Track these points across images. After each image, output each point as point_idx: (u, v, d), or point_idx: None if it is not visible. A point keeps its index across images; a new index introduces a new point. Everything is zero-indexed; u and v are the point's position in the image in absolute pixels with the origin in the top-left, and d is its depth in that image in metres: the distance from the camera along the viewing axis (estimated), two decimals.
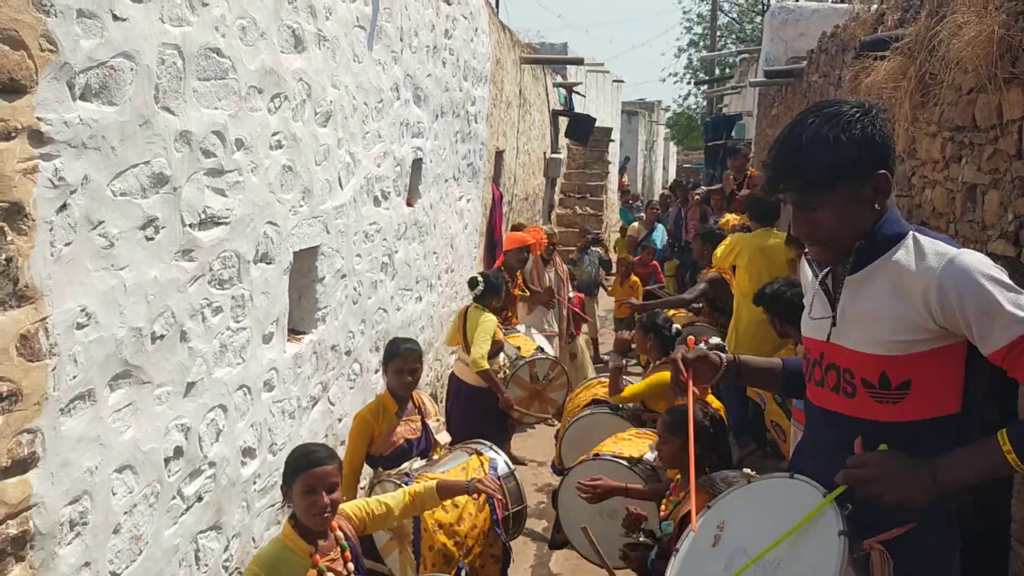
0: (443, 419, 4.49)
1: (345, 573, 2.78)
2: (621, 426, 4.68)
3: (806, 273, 2.13)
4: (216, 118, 3.24)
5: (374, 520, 3.08)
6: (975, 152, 3.83)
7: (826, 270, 2.00)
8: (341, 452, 4.85)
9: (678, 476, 3.31)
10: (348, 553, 2.81)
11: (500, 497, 3.32)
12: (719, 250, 6.12)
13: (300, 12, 3.96)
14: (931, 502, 1.79)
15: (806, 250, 2.07)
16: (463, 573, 3.66)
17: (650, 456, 3.93)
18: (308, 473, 2.69)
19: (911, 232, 1.84)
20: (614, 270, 10.16)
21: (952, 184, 4.11)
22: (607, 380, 5.03)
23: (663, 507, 3.31)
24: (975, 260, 1.72)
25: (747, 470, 3.11)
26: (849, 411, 1.89)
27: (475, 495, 3.33)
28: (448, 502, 3.79)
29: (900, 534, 1.79)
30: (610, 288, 9.82)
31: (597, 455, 4.06)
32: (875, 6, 6.09)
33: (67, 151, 2.42)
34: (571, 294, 8.43)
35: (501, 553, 4.02)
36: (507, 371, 5.88)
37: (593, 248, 10.23)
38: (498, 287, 5.87)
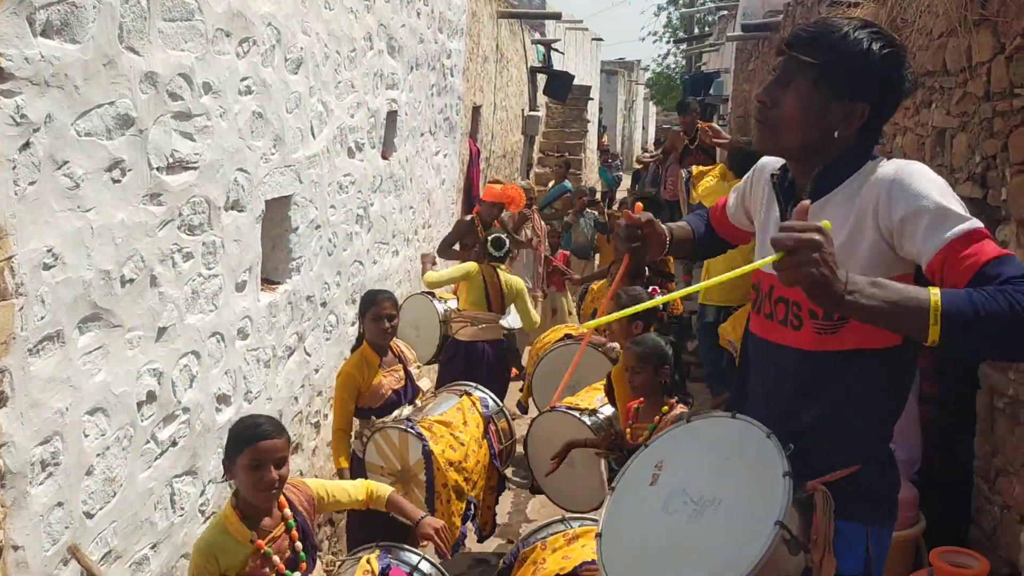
0: (419, 363, 4.52)
1: (289, 552, 2.69)
2: (593, 358, 4.77)
3: (766, 199, 2.05)
4: (182, 60, 3.20)
5: (332, 504, 3.00)
6: (945, 96, 3.86)
7: (788, 198, 1.93)
8: (318, 403, 4.92)
9: (637, 405, 3.42)
10: (295, 532, 2.71)
11: (444, 549, 3.08)
12: (702, 189, 6.11)
13: None
14: (870, 443, 1.82)
15: (772, 174, 2.00)
16: (472, 506, 3.83)
17: (606, 409, 4.04)
18: (255, 447, 2.56)
19: (869, 161, 1.81)
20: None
21: (922, 129, 4.14)
22: (572, 327, 5.21)
23: (630, 435, 3.43)
24: (923, 168, 1.71)
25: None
26: (794, 343, 1.85)
27: (420, 529, 3.08)
28: (454, 441, 3.92)
29: (842, 477, 1.78)
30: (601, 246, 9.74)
31: (554, 408, 4.17)
32: None
33: (29, 88, 2.38)
34: (547, 250, 8.47)
35: (497, 484, 4.34)
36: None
37: (589, 210, 10.14)
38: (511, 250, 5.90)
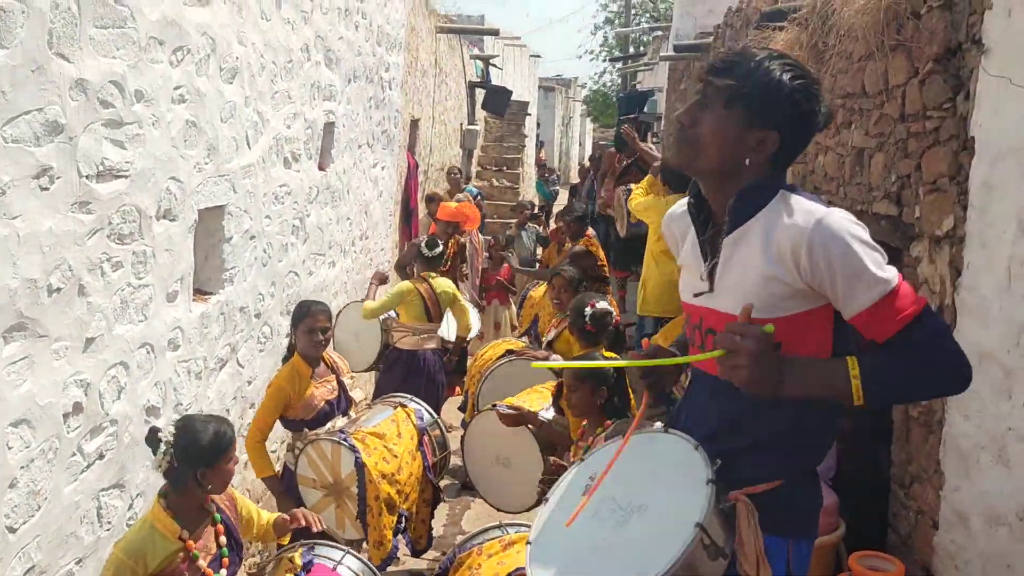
0: (352, 374, 4.49)
1: (215, 548, 2.74)
2: (539, 373, 4.80)
3: (682, 233, 2.09)
4: (114, 68, 3.16)
5: (245, 523, 3.02)
6: (863, 117, 4.02)
7: (705, 228, 1.97)
8: (250, 415, 4.86)
9: (585, 423, 3.43)
10: (220, 526, 2.77)
11: (316, 524, 3.14)
12: (637, 201, 6.19)
13: None
14: (796, 460, 1.88)
15: (688, 200, 2.03)
16: (403, 518, 3.81)
17: (547, 414, 4.07)
18: (228, 455, 2.73)
19: (781, 191, 1.85)
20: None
21: (842, 149, 4.30)
22: (512, 341, 5.22)
23: (573, 454, 3.43)
24: (842, 220, 1.74)
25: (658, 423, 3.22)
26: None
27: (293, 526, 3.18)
28: (387, 452, 3.90)
29: (766, 489, 1.83)
30: (543, 258, 9.80)
31: (495, 405, 4.19)
32: None
33: None
34: (485, 263, 8.53)
35: (431, 497, 4.31)
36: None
37: (531, 224, 10.20)
38: (443, 254, 5.90)
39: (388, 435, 4.11)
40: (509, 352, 5.22)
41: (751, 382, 1.68)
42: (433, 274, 5.64)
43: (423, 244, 5.67)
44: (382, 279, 5.96)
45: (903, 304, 1.69)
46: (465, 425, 5.52)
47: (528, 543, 1.99)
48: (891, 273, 1.71)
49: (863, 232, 1.74)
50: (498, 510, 4.39)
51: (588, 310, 4.17)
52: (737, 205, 1.86)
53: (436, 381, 5.57)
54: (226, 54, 4.21)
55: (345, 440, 3.90)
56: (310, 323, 4.03)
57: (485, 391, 5.04)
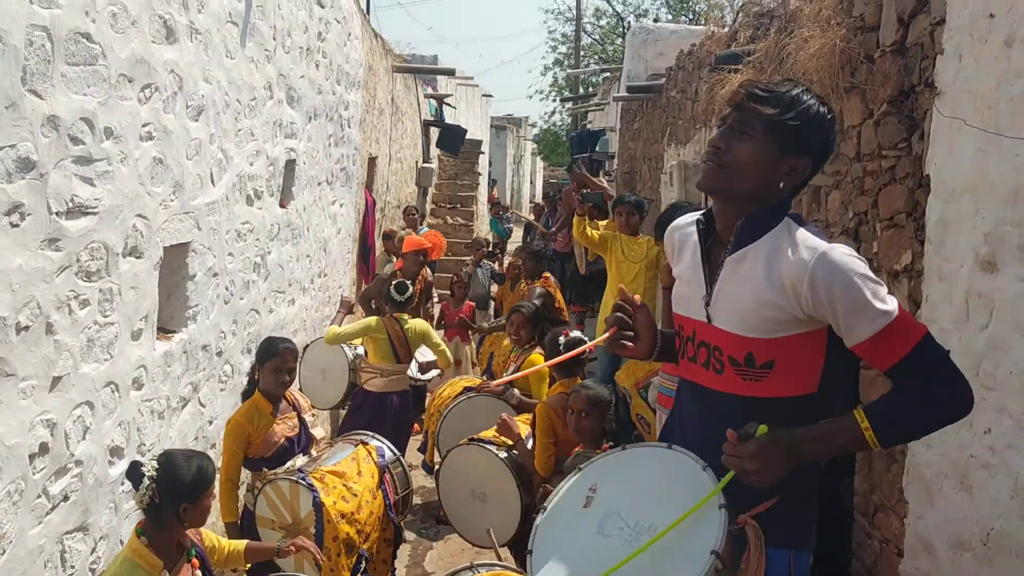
0: (313, 411, 4.44)
1: None
2: (496, 407, 4.82)
3: (682, 246, 2.15)
4: (85, 104, 3.15)
5: (212, 551, 3.05)
6: None
7: (706, 244, 2.04)
8: (212, 455, 4.77)
9: (579, 448, 3.48)
10: (195, 560, 2.78)
11: (318, 556, 3.36)
12: (589, 232, 6.29)
13: (172, 3, 3.89)
14: (798, 476, 1.91)
15: (697, 218, 2.10)
16: (363, 559, 3.75)
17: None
18: (210, 490, 2.74)
19: (786, 218, 1.93)
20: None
21: None
22: (471, 378, 5.26)
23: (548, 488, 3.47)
24: (844, 255, 1.82)
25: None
26: (716, 386, 1.97)
27: (292, 551, 3.35)
28: (346, 491, 3.85)
29: (769, 507, 1.89)
30: (498, 295, 9.82)
31: (472, 439, 4.18)
32: (728, 26, 6.48)
33: None
34: (435, 298, 8.56)
35: (393, 536, 4.23)
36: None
37: (486, 261, 10.24)
38: (414, 296, 5.86)
39: (348, 473, 4.05)
40: (467, 389, 5.22)
41: (771, 482, 1.80)
42: (405, 317, 5.62)
43: (393, 288, 5.63)
44: (349, 307, 5.92)
45: (903, 334, 1.78)
46: (426, 465, 5.50)
47: (528, 552, 1.98)
48: (892, 304, 1.79)
49: (863, 266, 1.82)
50: (475, 545, 4.37)
51: (562, 339, 4.24)
52: (744, 227, 1.93)
53: (402, 424, 5.53)
54: (192, 92, 4.21)
55: (303, 479, 3.83)
56: (278, 363, 3.99)
57: (445, 429, 5.02)
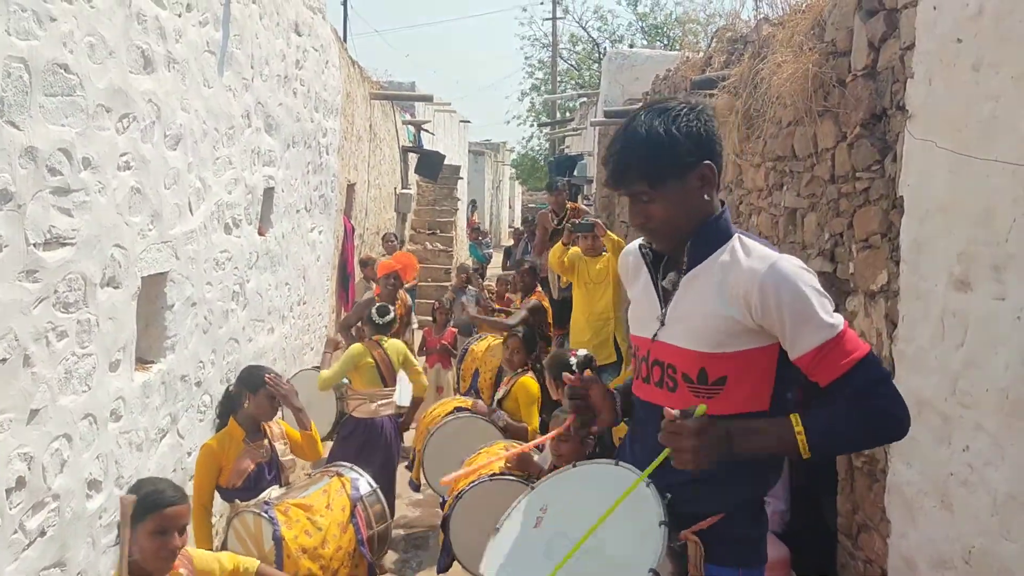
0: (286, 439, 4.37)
1: None
2: (485, 430, 4.78)
3: (635, 268, 2.17)
4: (63, 135, 3.14)
5: (202, 574, 2.94)
6: (795, 179, 4.21)
7: (658, 266, 2.06)
8: (191, 487, 4.71)
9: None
10: None
11: None
12: (556, 259, 6.39)
13: (149, 33, 3.90)
14: (743, 492, 1.96)
15: (644, 242, 2.13)
16: None
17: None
18: (161, 514, 2.55)
19: (737, 234, 1.96)
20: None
21: (775, 210, 4.48)
22: (461, 399, 5.21)
23: None
24: (793, 266, 1.85)
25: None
26: (669, 404, 1.93)
27: None
28: (309, 525, 3.76)
29: (712, 523, 1.91)
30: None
31: (493, 475, 4.04)
32: (703, 51, 6.57)
33: None
34: (415, 324, 8.54)
35: (367, 573, 4.05)
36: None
37: (470, 287, 10.19)
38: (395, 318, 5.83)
39: (315, 506, 3.92)
40: (458, 409, 5.20)
41: (703, 466, 1.79)
42: (385, 338, 5.60)
43: (374, 311, 5.62)
44: (336, 345, 5.89)
45: (847, 349, 1.81)
46: (412, 483, 5.46)
47: (480, 575, 1.98)
48: (837, 319, 1.82)
49: (812, 278, 1.85)
50: None
51: (572, 360, 4.20)
52: (694, 247, 1.96)
53: (392, 449, 5.49)
54: (170, 121, 4.20)
55: (266, 512, 3.73)
56: (270, 391, 3.95)
57: (431, 447, 4.99)
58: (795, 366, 1.88)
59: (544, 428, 4.82)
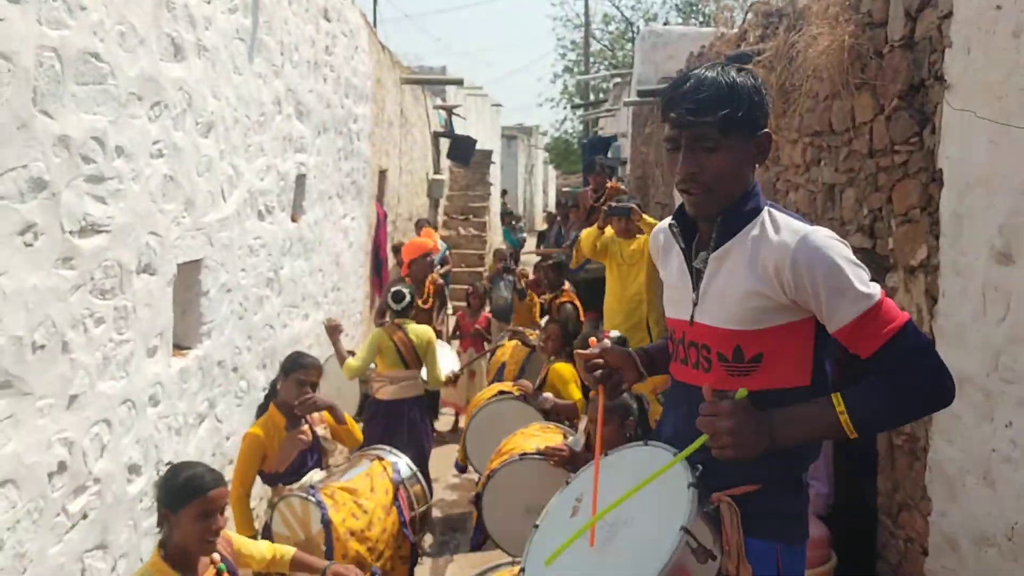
0: (326, 424, 4.41)
1: None
2: (525, 413, 4.81)
3: (667, 248, 2.13)
4: (95, 124, 3.17)
5: (243, 557, 2.98)
6: (832, 154, 4.13)
7: (690, 245, 2.00)
8: (230, 471, 4.78)
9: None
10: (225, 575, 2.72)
11: None
12: (600, 243, 6.33)
13: (179, 21, 3.92)
14: (781, 466, 1.89)
15: (670, 222, 2.06)
16: None
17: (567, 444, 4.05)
18: (204, 498, 2.57)
19: (767, 208, 1.90)
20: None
21: (813, 186, 4.41)
22: (507, 384, 5.25)
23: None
24: (824, 237, 1.79)
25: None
26: (703, 384, 1.91)
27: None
28: (356, 508, 3.81)
29: (748, 492, 1.85)
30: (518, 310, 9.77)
31: (524, 455, 4.09)
32: (737, 26, 6.47)
33: None
34: (449, 310, 8.54)
35: (409, 554, 4.13)
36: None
37: (507, 276, 10.17)
38: (414, 299, 5.76)
39: (360, 490, 3.99)
40: (501, 392, 5.25)
41: (741, 453, 1.74)
42: (407, 321, 5.60)
43: (390, 296, 5.62)
44: (336, 328, 5.81)
45: (886, 318, 1.74)
46: (458, 465, 5.51)
47: (521, 570, 1.98)
48: (874, 289, 1.75)
49: (846, 249, 1.79)
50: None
51: (606, 341, 4.18)
52: (724, 223, 1.90)
53: (419, 430, 5.49)
54: (201, 108, 4.23)
55: (313, 496, 3.79)
56: (302, 376, 3.97)
57: (472, 429, 5.07)
58: (833, 339, 1.84)
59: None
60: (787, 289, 1.79)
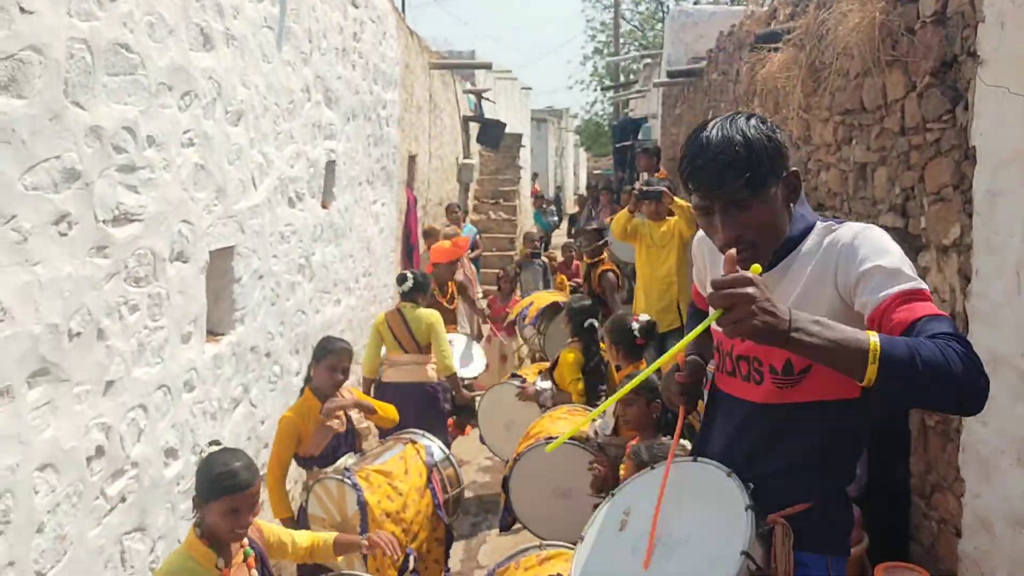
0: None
1: None
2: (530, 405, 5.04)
3: (711, 253, 2.11)
4: (126, 114, 3.22)
5: (275, 548, 3.01)
6: (864, 133, 4.07)
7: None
8: (264, 455, 4.85)
9: (635, 442, 3.45)
10: (252, 560, 2.75)
11: (391, 554, 3.27)
12: (630, 226, 6.35)
13: (207, 10, 3.96)
14: (831, 481, 1.90)
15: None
16: (411, 558, 3.74)
17: (591, 431, 4.06)
18: (235, 497, 2.60)
19: (818, 222, 1.91)
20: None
21: (844, 165, 4.35)
22: (525, 369, 5.39)
23: (623, 470, 3.42)
24: (876, 231, 1.80)
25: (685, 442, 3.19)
26: (754, 397, 1.94)
27: (370, 549, 3.26)
28: (391, 490, 3.86)
29: (801, 511, 1.85)
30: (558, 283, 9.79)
31: (550, 438, 4.11)
32: (767, 4, 6.39)
33: None
34: (479, 294, 8.56)
35: (444, 535, 4.20)
36: None
37: (536, 260, 10.18)
38: (426, 285, 5.71)
39: (394, 472, 4.05)
40: (514, 376, 5.47)
41: (758, 330, 1.54)
42: (409, 304, 5.57)
43: (396, 281, 5.70)
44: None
45: (924, 305, 1.67)
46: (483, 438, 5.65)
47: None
48: (922, 283, 1.72)
49: (895, 246, 1.78)
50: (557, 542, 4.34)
51: (635, 324, 4.18)
52: (781, 249, 1.90)
53: (429, 415, 5.39)
54: (231, 97, 4.27)
55: (349, 478, 3.85)
56: (334, 361, 4.01)
57: (482, 410, 5.46)
58: None
59: (592, 391, 4.82)
60: (840, 281, 1.78)
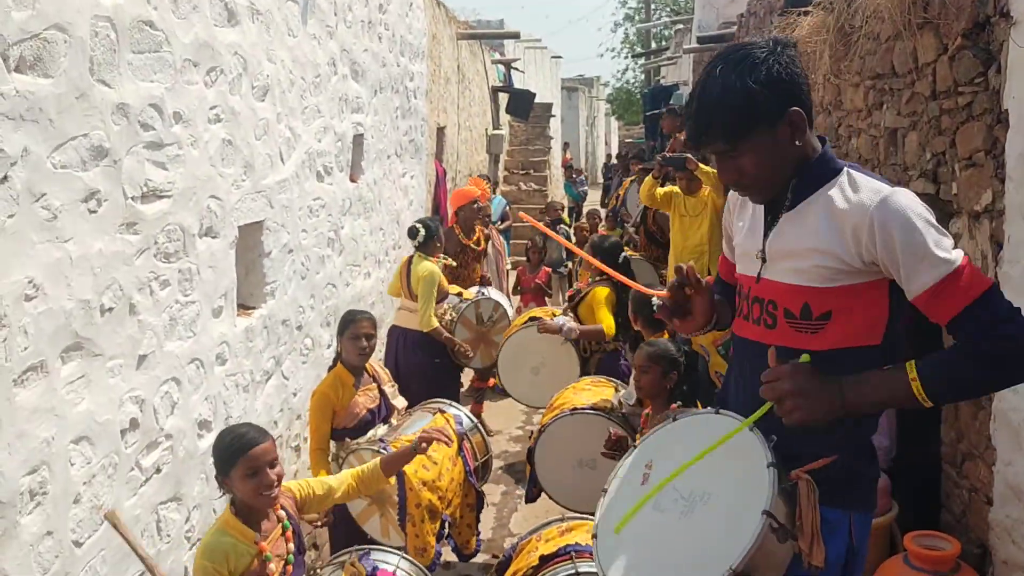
0: (393, 383, 4.51)
1: (286, 553, 2.76)
2: (552, 339, 5.18)
3: (744, 201, 2.11)
4: (152, 91, 3.25)
5: (315, 500, 3.04)
6: (895, 97, 4.00)
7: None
8: (297, 426, 4.94)
9: (648, 410, 3.46)
10: (289, 533, 2.78)
11: (443, 439, 3.37)
12: (663, 193, 6.38)
13: None
14: (853, 433, 1.87)
15: None
16: (447, 524, 3.83)
17: (615, 401, 4.07)
18: (247, 456, 2.63)
19: (846, 168, 1.87)
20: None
21: (875, 130, 4.28)
22: (544, 309, 5.52)
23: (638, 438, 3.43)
24: (907, 200, 1.74)
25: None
26: (767, 340, 1.90)
27: (425, 446, 3.25)
28: (426, 460, 3.91)
29: (824, 465, 1.82)
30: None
31: (575, 409, 4.15)
32: None
33: (5, 123, 2.43)
34: (508, 265, 8.59)
35: (475, 502, 4.30)
36: (452, 314, 5.82)
37: (561, 225, 10.19)
38: (436, 231, 5.73)
39: None
40: (532, 319, 5.49)
41: (810, 418, 1.73)
42: (418, 255, 5.63)
43: (408, 234, 5.77)
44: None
45: (965, 285, 1.68)
46: (499, 388, 5.90)
47: (593, 537, 1.99)
48: (956, 255, 1.70)
49: (927, 212, 1.74)
50: (581, 514, 4.39)
51: (655, 300, 4.17)
52: (799, 184, 1.89)
53: (403, 362, 5.58)
54: (257, 72, 4.29)
55: (384, 449, 3.91)
56: (355, 330, 4.08)
57: (505, 355, 5.48)
58: (906, 301, 1.80)
59: (626, 328, 4.87)
60: (864, 252, 1.76)
